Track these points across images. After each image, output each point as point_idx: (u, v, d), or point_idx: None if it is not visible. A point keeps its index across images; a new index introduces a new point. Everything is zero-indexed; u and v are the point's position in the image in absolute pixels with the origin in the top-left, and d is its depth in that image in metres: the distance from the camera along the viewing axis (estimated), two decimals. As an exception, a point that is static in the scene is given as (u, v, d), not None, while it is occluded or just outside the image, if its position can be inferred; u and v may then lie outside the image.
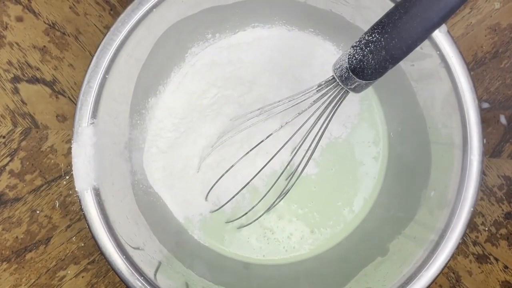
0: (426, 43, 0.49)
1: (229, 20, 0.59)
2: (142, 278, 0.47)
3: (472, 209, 0.48)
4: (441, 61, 0.49)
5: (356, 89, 0.42)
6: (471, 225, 0.66)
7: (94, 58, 0.48)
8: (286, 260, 0.61)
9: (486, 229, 0.66)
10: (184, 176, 0.60)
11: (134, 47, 0.49)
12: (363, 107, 0.63)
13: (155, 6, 0.48)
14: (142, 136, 0.59)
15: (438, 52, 0.49)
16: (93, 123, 0.47)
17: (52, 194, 0.65)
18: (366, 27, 0.46)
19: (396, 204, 0.58)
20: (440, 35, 0.48)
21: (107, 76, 0.48)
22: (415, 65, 0.53)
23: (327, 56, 0.62)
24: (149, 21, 0.49)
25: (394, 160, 0.61)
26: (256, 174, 0.53)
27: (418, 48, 0.51)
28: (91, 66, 0.47)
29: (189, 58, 0.61)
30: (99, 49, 0.48)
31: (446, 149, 0.51)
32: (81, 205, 0.47)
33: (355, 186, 0.62)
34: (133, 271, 0.47)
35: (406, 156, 0.59)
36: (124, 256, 0.47)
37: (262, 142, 0.50)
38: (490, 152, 0.67)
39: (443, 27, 0.48)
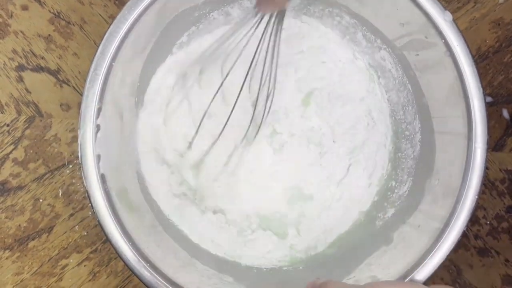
0: (431, 31, 0.49)
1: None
2: (149, 265, 0.47)
3: (476, 197, 0.48)
4: (446, 50, 0.49)
5: None
6: (472, 219, 0.66)
7: (101, 45, 0.48)
8: (294, 257, 0.60)
9: (488, 222, 0.67)
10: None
11: (140, 34, 0.49)
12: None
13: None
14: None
15: (443, 41, 0.49)
16: (99, 109, 0.48)
17: (55, 182, 0.65)
18: None
19: (401, 193, 0.58)
20: (445, 24, 0.48)
21: (113, 64, 0.48)
22: (419, 54, 0.53)
23: None
24: (156, 7, 0.49)
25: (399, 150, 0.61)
26: (230, 116, 0.54)
27: (423, 37, 0.52)
28: (97, 53, 0.48)
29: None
30: (105, 36, 0.48)
31: (451, 138, 0.51)
32: (88, 194, 0.47)
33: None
34: (139, 259, 0.47)
35: (411, 146, 0.59)
36: (131, 243, 0.47)
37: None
38: (493, 146, 0.67)
39: (448, 16, 0.49)
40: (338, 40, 0.63)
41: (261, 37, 0.51)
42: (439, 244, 0.48)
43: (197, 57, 0.59)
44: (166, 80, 0.59)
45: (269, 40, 0.50)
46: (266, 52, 0.53)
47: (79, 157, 0.47)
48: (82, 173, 0.47)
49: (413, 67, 0.55)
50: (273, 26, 0.48)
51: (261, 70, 0.56)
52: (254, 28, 0.50)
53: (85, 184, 0.47)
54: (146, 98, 0.58)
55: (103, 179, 0.47)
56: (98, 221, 0.47)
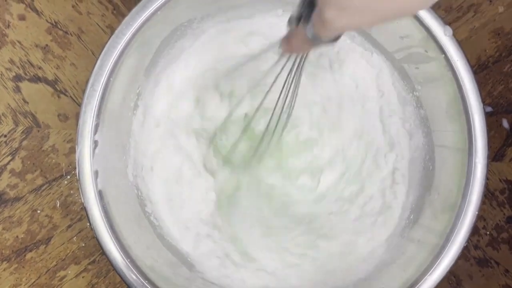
0: (431, 45, 0.49)
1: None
2: (147, 281, 0.47)
3: (476, 212, 0.48)
4: (446, 65, 0.49)
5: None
6: (472, 229, 0.66)
7: (99, 60, 0.47)
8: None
9: (488, 233, 0.66)
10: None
11: (138, 49, 0.49)
12: None
13: (159, 8, 0.48)
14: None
15: (443, 56, 0.49)
16: (97, 125, 0.47)
17: (53, 193, 0.64)
18: None
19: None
20: (445, 39, 0.48)
21: (111, 79, 0.48)
22: (419, 68, 0.53)
23: None
24: (154, 23, 0.48)
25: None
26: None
27: (422, 51, 0.51)
28: (95, 69, 0.47)
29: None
30: (103, 51, 0.47)
31: (451, 152, 0.51)
32: (85, 210, 0.47)
33: None
34: (137, 275, 0.47)
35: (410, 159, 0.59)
36: (129, 260, 0.47)
37: None
38: (492, 156, 0.67)
39: (449, 30, 0.48)
40: None
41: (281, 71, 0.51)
42: (439, 260, 0.48)
43: (202, 72, 0.59)
44: (169, 97, 0.59)
45: (291, 74, 0.49)
46: (286, 84, 0.52)
47: (77, 174, 0.47)
48: (79, 189, 0.47)
49: (413, 80, 0.55)
50: (295, 63, 0.47)
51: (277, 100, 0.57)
52: (277, 63, 0.49)
53: (82, 201, 0.47)
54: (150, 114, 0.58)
55: (101, 195, 0.47)
56: (96, 237, 0.47)
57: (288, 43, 0.41)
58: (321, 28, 0.33)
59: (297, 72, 0.48)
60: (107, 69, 0.47)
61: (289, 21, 0.39)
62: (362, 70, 0.59)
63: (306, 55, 0.45)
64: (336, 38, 0.36)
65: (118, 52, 0.47)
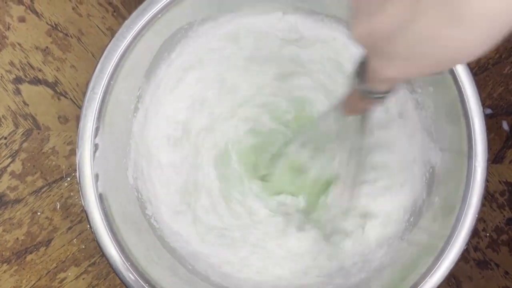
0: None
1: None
2: (147, 285, 0.47)
3: (476, 216, 0.48)
4: (447, 68, 0.49)
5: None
6: (472, 232, 0.66)
7: (99, 64, 0.47)
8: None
9: (487, 235, 0.66)
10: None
11: (139, 52, 0.49)
12: None
13: (160, 11, 0.48)
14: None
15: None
16: (97, 128, 0.47)
17: (53, 195, 0.64)
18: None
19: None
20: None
21: (111, 82, 0.48)
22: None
23: None
24: (154, 26, 0.49)
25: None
26: None
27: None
28: (95, 72, 0.47)
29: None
30: (103, 54, 0.47)
31: (450, 155, 0.51)
32: (86, 213, 0.47)
33: None
34: (138, 279, 0.47)
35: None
36: (129, 263, 0.47)
37: None
38: (492, 158, 0.67)
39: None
40: None
41: None
42: (439, 262, 0.48)
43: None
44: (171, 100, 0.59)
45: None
46: None
47: (77, 177, 0.47)
48: (80, 192, 0.47)
49: (413, 82, 0.55)
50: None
51: None
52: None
53: (83, 204, 0.47)
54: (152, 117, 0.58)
55: (101, 198, 0.47)
56: (96, 241, 0.47)
57: (348, 104, 0.40)
58: (370, 80, 0.32)
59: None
60: (107, 72, 0.47)
61: (350, 77, 0.38)
62: None
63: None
64: (387, 91, 0.34)
65: (119, 55, 0.47)
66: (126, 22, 0.47)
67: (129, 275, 0.47)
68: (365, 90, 0.34)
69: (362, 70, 0.34)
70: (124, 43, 0.47)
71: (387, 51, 0.27)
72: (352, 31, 0.28)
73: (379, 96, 0.34)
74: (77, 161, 0.47)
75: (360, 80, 0.34)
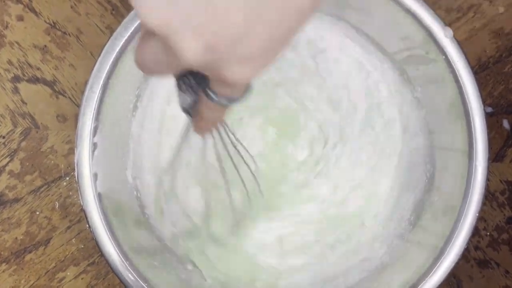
0: (431, 47, 0.49)
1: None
2: (146, 284, 0.47)
3: (477, 215, 0.47)
4: (447, 66, 0.48)
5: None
6: (473, 231, 0.66)
7: (97, 63, 0.47)
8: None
9: (488, 234, 0.66)
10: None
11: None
12: None
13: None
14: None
15: (443, 57, 0.48)
16: (96, 127, 0.47)
17: (52, 195, 0.64)
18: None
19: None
20: (445, 41, 0.48)
21: (110, 81, 0.48)
22: (420, 69, 0.53)
23: None
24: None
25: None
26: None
27: (423, 53, 0.51)
28: (93, 71, 0.47)
29: None
30: (102, 53, 0.47)
31: (451, 154, 0.51)
32: (85, 213, 0.47)
33: None
34: (137, 278, 0.47)
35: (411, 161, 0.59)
36: (128, 262, 0.47)
37: None
38: (493, 157, 0.67)
39: (449, 32, 0.48)
40: None
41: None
42: (439, 262, 0.48)
43: None
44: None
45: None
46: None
47: (76, 177, 0.47)
48: (79, 192, 0.47)
49: (413, 81, 0.54)
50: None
51: None
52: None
53: (82, 203, 0.47)
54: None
55: (100, 198, 0.47)
56: (95, 240, 0.47)
57: (199, 123, 0.36)
58: (226, 88, 0.29)
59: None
60: (106, 71, 0.47)
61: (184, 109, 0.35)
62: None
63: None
64: (245, 91, 0.31)
65: (117, 54, 0.47)
66: (125, 20, 0.47)
67: (128, 275, 0.47)
68: (220, 99, 0.31)
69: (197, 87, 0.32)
70: (123, 42, 0.47)
71: (242, 55, 0.25)
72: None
73: (236, 98, 0.31)
74: (75, 160, 0.47)
75: (209, 95, 0.31)
